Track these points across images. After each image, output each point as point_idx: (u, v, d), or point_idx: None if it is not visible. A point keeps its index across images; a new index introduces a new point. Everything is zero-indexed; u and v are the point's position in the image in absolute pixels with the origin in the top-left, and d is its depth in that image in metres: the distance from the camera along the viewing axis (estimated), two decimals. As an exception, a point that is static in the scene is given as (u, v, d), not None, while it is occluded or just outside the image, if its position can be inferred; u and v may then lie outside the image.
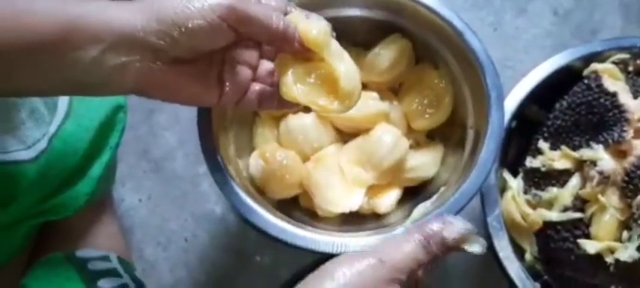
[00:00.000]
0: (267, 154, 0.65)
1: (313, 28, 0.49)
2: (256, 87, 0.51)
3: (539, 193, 0.64)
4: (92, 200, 0.61)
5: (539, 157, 0.65)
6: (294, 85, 0.51)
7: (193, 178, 0.78)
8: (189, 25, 0.43)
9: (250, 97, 0.50)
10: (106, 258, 0.62)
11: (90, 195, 0.60)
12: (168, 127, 0.81)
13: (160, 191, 0.78)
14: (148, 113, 0.81)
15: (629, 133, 0.58)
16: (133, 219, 0.75)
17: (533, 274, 0.63)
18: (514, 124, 0.66)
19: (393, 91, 0.71)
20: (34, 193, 0.54)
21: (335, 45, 0.51)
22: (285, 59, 0.51)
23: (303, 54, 0.49)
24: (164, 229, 0.76)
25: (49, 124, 0.55)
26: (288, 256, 0.73)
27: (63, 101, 0.57)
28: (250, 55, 0.50)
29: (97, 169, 0.60)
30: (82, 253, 0.61)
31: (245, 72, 0.49)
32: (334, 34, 0.52)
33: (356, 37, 0.70)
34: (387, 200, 0.65)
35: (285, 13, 0.51)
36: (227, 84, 0.48)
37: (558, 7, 0.86)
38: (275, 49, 0.51)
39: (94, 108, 0.60)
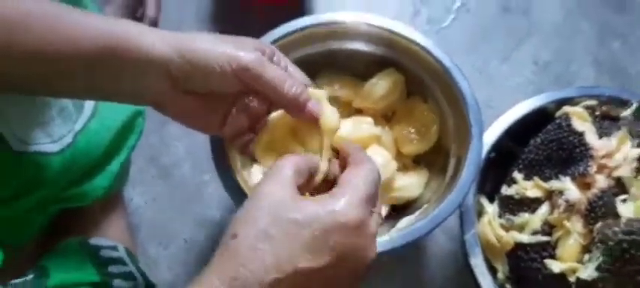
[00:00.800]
0: (268, 167, 0.71)
1: (335, 119, 0.51)
2: (245, 138, 0.52)
3: (512, 217, 0.68)
4: (108, 194, 0.64)
5: (514, 186, 0.70)
6: (263, 152, 0.52)
7: (197, 185, 0.81)
8: (206, 69, 0.46)
9: (237, 142, 0.53)
10: (115, 248, 0.65)
11: (107, 188, 0.63)
12: (178, 138, 0.84)
13: (165, 195, 0.81)
14: (161, 123, 0.84)
15: (593, 168, 0.64)
16: (139, 218, 0.78)
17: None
18: (492, 155, 0.70)
19: (385, 118, 0.76)
20: (57, 181, 0.58)
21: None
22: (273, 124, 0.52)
23: (301, 121, 0.51)
24: (166, 229, 0.79)
25: (76, 122, 0.59)
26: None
27: (89, 102, 0.61)
28: (258, 107, 0.51)
29: (114, 166, 0.64)
30: (94, 241, 0.65)
31: (244, 121, 0.51)
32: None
33: (356, 68, 0.75)
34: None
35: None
36: (227, 125, 0.51)
37: (539, 58, 0.91)
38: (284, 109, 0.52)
39: (117, 111, 0.64)
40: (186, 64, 0.46)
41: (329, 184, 0.46)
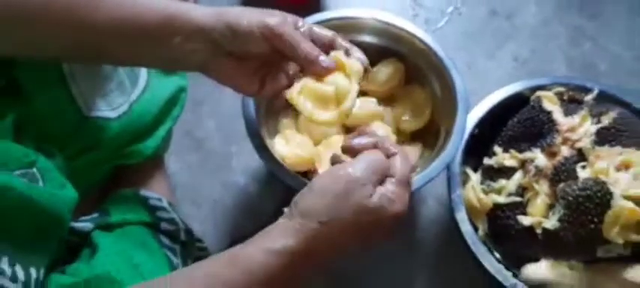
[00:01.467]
0: (288, 136, 0.80)
1: (358, 65, 0.59)
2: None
3: (492, 183, 0.77)
4: (155, 154, 0.73)
5: (494, 158, 0.78)
6: (298, 97, 0.59)
7: (225, 155, 0.89)
8: (240, 31, 0.55)
9: (280, 100, 0.61)
10: (160, 199, 0.72)
11: (155, 149, 0.72)
12: (210, 115, 0.93)
13: (198, 163, 0.89)
14: (196, 103, 0.93)
15: (558, 140, 0.73)
16: (176, 181, 0.86)
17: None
18: (476, 131, 0.79)
19: (387, 100, 0.84)
20: (114, 142, 0.66)
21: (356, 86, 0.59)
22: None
23: (320, 76, 0.58)
24: (198, 191, 0.86)
25: (131, 94, 0.68)
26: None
27: (143, 78, 0.70)
28: (290, 66, 0.60)
29: (161, 131, 0.73)
30: (143, 192, 0.72)
31: (282, 79, 0.59)
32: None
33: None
34: None
35: (331, 47, 0.60)
36: (268, 84, 0.59)
37: (519, 56, 1.01)
38: (303, 67, 0.59)
39: (164, 86, 0.73)
40: (226, 29, 0.54)
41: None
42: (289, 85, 0.59)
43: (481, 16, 1.06)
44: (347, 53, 0.59)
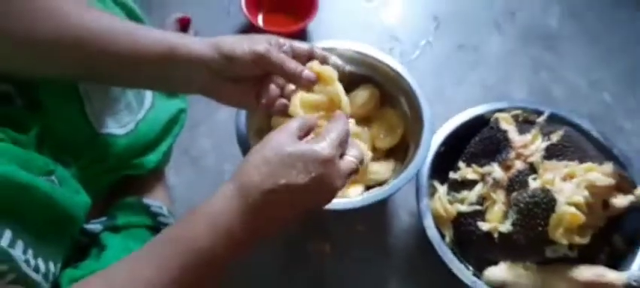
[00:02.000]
0: None
1: (331, 72, 0.65)
2: (281, 101, 0.66)
3: (456, 194, 0.84)
4: (158, 167, 0.79)
5: (458, 172, 0.85)
6: (299, 108, 0.65)
7: (219, 172, 0.96)
8: (235, 59, 0.61)
9: (276, 107, 0.66)
10: (160, 207, 0.77)
11: (157, 163, 0.78)
12: (206, 135, 1.00)
13: (193, 178, 0.95)
14: (194, 125, 0.99)
15: (513, 155, 0.80)
16: (175, 194, 0.90)
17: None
18: (442, 149, 0.86)
19: (364, 121, 0.90)
20: (121, 155, 0.72)
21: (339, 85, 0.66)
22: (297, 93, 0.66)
23: (308, 88, 0.65)
24: (193, 203, 0.84)
25: (138, 113, 0.75)
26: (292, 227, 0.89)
27: (148, 100, 0.77)
28: (279, 81, 0.66)
29: (163, 147, 0.79)
30: (146, 200, 0.77)
31: (275, 91, 0.65)
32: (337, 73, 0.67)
33: (342, 83, 0.85)
34: (354, 192, 0.84)
35: (310, 57, 0.66)
36: (263, 98, 0.65)
37: (485, 83, 1.08)
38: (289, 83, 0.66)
39: (167, 107, 0.80)
40: (222, 58, 0.61)
41: None
42: (280, 96, 0.65)
43: (450, 48, 1.14)
44: (325, 60, 0.67)
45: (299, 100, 0.65)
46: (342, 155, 0.58)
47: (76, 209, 0.60)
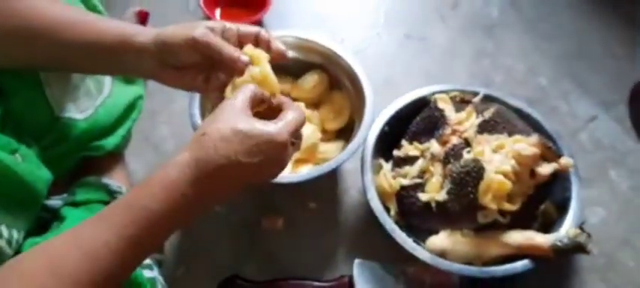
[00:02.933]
0: None
1: (261, 54, 0.65)
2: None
3: (399, 170, 0.88)
4: (117, 149, 0.83)
5: (402, 149, 0.90)
6: (230, 93, 0.65)
7: None
8: (172, 46, 0.63)
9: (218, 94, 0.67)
10: (119, 187, 0.80)
11: (116, 145, 0.81)
12: (164, 123, 1.03)
13: (154, 163, 0.98)
14: (153, 113, 1.02)
15: (448, 131, 0.85)
16: (135, 178, 0.93)
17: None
18: (386, 128, 0.91)
19: (314, 105, 0.96)
20: (82, 138, 0.76)
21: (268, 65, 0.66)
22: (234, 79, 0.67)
23: (241, 72, 0.64)
24: None
25: (96, 99, 0.78)
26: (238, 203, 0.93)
27: (107, 87, 0.81)
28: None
29: (121, 131, 0.83)
30: (105, 180, 0.80)
31: (221, 77, 0.66)
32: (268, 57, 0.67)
33: (293, 69, 0.95)
34: (305, 169, 0.89)
35: (256, 39, 0.67)
36: (210, 83, 0.67)
37: (429, 71, 1.13)
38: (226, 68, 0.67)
39: (125, 93, 0.84)
40: (163, 45, 0.63)
41: (273, 111, 0.62)
42: (223, 84, 0.67)
43: (398, 39, 1.20)
44: (268, 43, 0.68)
45: (231, 86, 0.66)
46: (293, 143, 0.61)
47: (38, 183, 0.63)
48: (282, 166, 0.60)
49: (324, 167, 0.83)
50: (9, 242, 0.58)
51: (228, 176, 0.55)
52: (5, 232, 0.58)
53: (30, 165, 0.63)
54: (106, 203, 0.77)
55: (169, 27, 0.65)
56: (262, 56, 0.66)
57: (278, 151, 0.57)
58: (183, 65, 0.65)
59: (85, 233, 0.52)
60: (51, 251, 0.50)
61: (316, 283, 0.83)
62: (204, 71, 0.67)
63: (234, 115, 0.56)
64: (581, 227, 0.79)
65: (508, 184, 0.77)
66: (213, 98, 0.69)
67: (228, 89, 0.66)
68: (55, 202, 0.74)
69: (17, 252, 0.60)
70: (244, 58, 0.64)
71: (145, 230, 0.52)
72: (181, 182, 0.53)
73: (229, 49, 0.64)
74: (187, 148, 0.55)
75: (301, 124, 0.62)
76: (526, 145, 0.80)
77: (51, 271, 0.48)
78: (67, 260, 0.49)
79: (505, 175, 0.78)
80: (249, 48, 0.66)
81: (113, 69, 0.70)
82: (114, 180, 0.84)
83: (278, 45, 0.69)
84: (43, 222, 0.71)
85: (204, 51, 0.63)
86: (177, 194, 0.53)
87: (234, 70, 0.64)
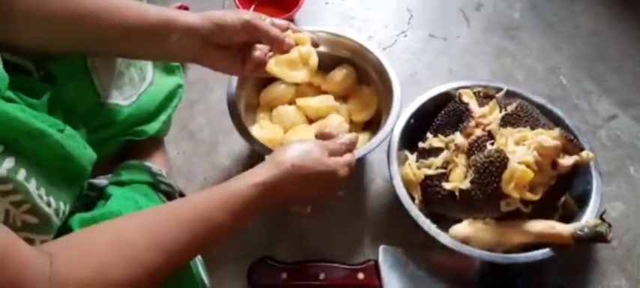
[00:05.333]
0: (263, 125, 0.91)
1: (307, 35, 0.74)
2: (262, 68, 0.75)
3: (424, 161, 0.87)
4: (158, 134, 0.83)
5: (426, 142, 0.89)
6: (274, 66, 0.75)
7: (213, 144, 0.99)
8: (225, 26, 0.67)
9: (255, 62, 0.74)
10: (160, 170, 0.80)
11: (157, 130, 0.82)
12: (202, 113, 1.04)
13: (191, 150, 0.99)
14: (191, 103, 1.04)
15: (472, 124, 0.85)
16: (173, 163, 0.95)
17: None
18: (412, 121, 0.90)
19: (342, 98, 0.95)
20: (125, 123, 0.77)
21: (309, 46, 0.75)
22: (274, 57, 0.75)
23: (285, 52, 0.73)
24: (191, 171, 0.96)
25: (140, 87, 0.80)
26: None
27: (149, 76, 0.82)
28: (261, 48, 0.74)
29: (163, 117, 0.83)
30: (147, 163, 0.80)
31: (256, 58, 0.72)
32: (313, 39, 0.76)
33: (323, 64, 0.90)
34: None
35: (285, 29, 0.74)
36: (246, 64, 0.72)
37: (452, 68, 1.13)
38: (271, 47, 0.75)
39: (166, 82, 0.85)
40: (213, 26, 0.67)
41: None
42: (261, 62, 0.71)
43: (422, 38, 1.19)
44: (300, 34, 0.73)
45: (274, 60, 0.73)
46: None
47: (83, 160, 0.64)
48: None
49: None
50: (56, 212, 0.59)
51: (289, 203, 0.71)
52: (53, 203, 0.59)
53: (76, 142, 0.64)
54: (149, 184, 0.78)
55: (215, 11, 0.69)
56: (306, 37, 0.71)
57: (336, 184, 0.70)
58: (228, 44, 0.69)
59: (159, 219, 0.57)
60: (131, 228, 0.55)
61: (343, 266, 0.84)
62: (241, 53, 0.71)
63: (315, 160, 0.67)
64: (601, 217, 0.78)
65: (530, 174, 0.76)
66: (248, 100, 0.77)
67: (272, 62, 0.72)
68: (100, 181, 0.74)
69: (64, 224, 0.61)
70: (289, 39, 0.71)
71: (203, 235, 0.58)
72: (247, 205, 0.61)
73: (276, 31, 0.70)
74: (266, 177, 0.64)
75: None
76: (548, 137, 0.79)
77: (128, 245, 0.52)
78: (141, 240, 0.53)
79: (528, 165, 0.77)
80: (291, 33, 0.70)
81: (157, 51, 0.72)
82: (155, 164, 0.84)
83: (308, 34, 0.74)
84: (89, 201, 0.72)
85: (254, 32, 0.68)
86: (238, 213, 0.61)
87: (280, 50, 0.71)
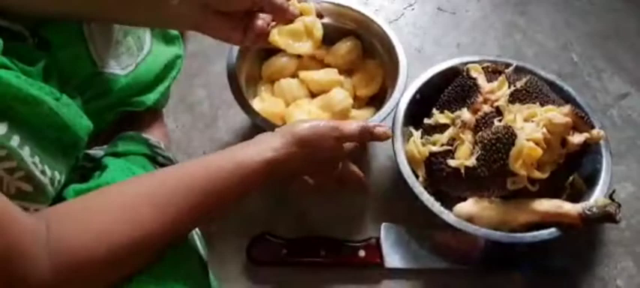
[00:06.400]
0: (265, 97, 0.91)
1: (310, 6, 0.73)
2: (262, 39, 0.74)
3: (429, 137, 0.86)
4: (156, 105, 0.83)
5: (432, 118, 0.88)
6: (277, 36, 0.75)
7: (212, 117, 0.99)
8: None
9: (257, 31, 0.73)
10: (158, 142, 0.80)
11: (155, 101, 0.82)
12: (201, 86, 1.03)
13: (190, 123, 0.98)
14: (190, 76, 1.03)
15: (480, 99, 0.84)
16: (172, 137, 0.94)
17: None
18: (418, 96, 0.89)
19: (347, 72, 0.94)
20: (123, 92, 0.77)
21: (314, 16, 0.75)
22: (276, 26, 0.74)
23: (288, 22, 0.73)
24: (190, 145, 0.95)
25: (137, 56, 0.79)
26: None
27: (147, 45, 0.81)
28: (260, 17, 0.72)
29: (161, 88, 0.83)
30: (145, 135, 0.80)
31: (258, 27, 0.71)
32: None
33: (327, 36, 0.89)
34: None
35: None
36: (248, 33, 0.71)
37: (460, 43, 1.11)
38: (274, 16, 0.74)
39: (165, 52, 0.84)
40: None
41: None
42: (264, 31, 0.71)
43: (430, 11, 1.18)
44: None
45: (277, 30, 0.72)
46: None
47: (79, 129, 0.63)
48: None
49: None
50: (52, 181, 0.58)
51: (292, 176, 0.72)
52: (49, 172, 0.58)
53: (72, 111, 0.64)
54: (147, 156, 0.78)
55: None
56: (311, 7, 0.69)
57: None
58: (229, 12, 0.67)
59: (165, 183, 0.57)
60: (137, 192, 0.55)
61: (345, 243, 0.84)
62: (243, 22, 0.70)
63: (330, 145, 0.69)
64: (610, 196, 0.77)
65: (539, 151, 0.75)
66: (249, 71, 0.78)
67: (275, 32, 0.72)
68: (96, 151, 0.75)
69: (59, 194, 0.61)
70: (293, 8, 0.69)
71: (207, 198, 0.58)
72: (253, 172, 0.61)
73: (278, 1, 0.69)
74: (274, 148, 0.64)
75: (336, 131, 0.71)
76: (558, 113, 0.78)
77: (131, 209, 0.53)
78: (143, 206, 0.53)
79: (536, 142, 0.76)
80: (295, 1, 0.69)
81: (155, 18, 0.71)
82: (153, 136, 0.84)
83: (312, 4, 0.73)
84: (85, 171, 0.72)
85: (259, 2, 0.67)
86: (244, 180, 0.61)
87: (283, 19, 0.69)
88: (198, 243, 0.66)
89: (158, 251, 0.54)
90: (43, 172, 0.57)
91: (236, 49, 0.89)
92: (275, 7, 0.70)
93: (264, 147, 0.64)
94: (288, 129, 0.68)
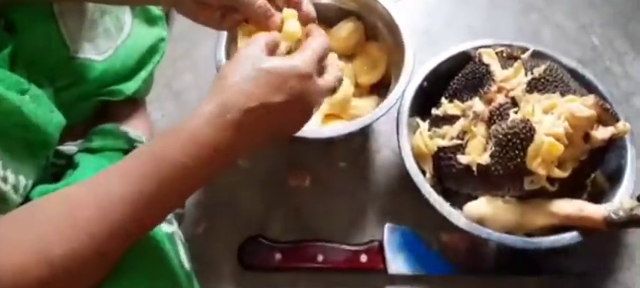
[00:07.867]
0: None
1: (296, 28, 0.60)
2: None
3: (437, 130, 0.83)
4: (137, 94, 0.79)
5: (440, 108, 0.84)
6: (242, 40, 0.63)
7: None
8: None
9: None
10: (139, 136, 0.76)
11: (136, 90, 0.77)
12: (188, 70, 0.99)
13: (176, 111, 0.95)
14: (176, 60, 0.99)
15: (494, 88, 0.79)
16: (157, 127, 0.90)
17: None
18: (425, 84, 0.85)
19: (348, 56, 0.91)
20: (99, 80, 0.72)
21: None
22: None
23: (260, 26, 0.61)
24: None
25: (116, 39, 0.74)
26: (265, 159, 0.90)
27: (127, 26, 0.76)
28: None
29: (143, 74, 0.78)
30: (124, 128, 0.76)
31: (238, 18, 0.63)
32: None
33: (327, 17, 0.89)
34: (336, 125, 0.83)
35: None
36: (226, 21, 0.63)
37: (472, 24, 1.07)
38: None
39: (147, 34, 0.79)
40: None
41: None
42: (239, 23, 0.63)
43: (439, -10, 1.13)
44: (298, 6, 0.63)
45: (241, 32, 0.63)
46: (320, 73, 0.57)
47: (48, 126, 0.60)
48: (310, 105, 0.55)
49: (356, 123, 0.78)
50: (15, 188, 0.54)
51: (253, 121, 0.50)
52: (11, 178, 0.54)
53: (40, 106, 0.59)
54: (125, 152, 0.73)
55: None
56: (289, 32, 0.60)
57: (304, 85, 0.53)
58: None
59: (101, 183, 0.47)
60: (70, 197, 0.47)
61: (344, 247, 0.81)
62: (221, 9, 0.63)
63: (253, 56, 0.53)
64: (638, 198, 0.72)
65: (560, 148, 0.71)
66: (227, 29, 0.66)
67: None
68: (69, 147, 0.70)
69: (26, 199, 0.56)
70: (275, 19, 0.60)
71: (168, 185, 0.47)
72: (205, 132, 0.48)
73: (259, 6, 0.60)
74: (210, 96, 0.51)
75: (324, 51, 0.58)
76: (581, 105, 0.73)
77: (67, 216, 0.44)
78: (82, 208, 0.45)
79: (557, 137, 0.71)
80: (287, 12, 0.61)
81: None
82: (134, 128, 0.79)
83: (310, 8, 0.64)
84: (56, 170, 0.67)
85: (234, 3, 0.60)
86: (201, 146, 0.48)
87: (265, 26, 0.60)
88: (181, 253, 0.61)
89: (109, 260, 0.48)
90: (4, 179, 0.53)
91: (224, 32, 0.84)
92: (253, 14, 0.61)
93: (201, 105, 0.50)
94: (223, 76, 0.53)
